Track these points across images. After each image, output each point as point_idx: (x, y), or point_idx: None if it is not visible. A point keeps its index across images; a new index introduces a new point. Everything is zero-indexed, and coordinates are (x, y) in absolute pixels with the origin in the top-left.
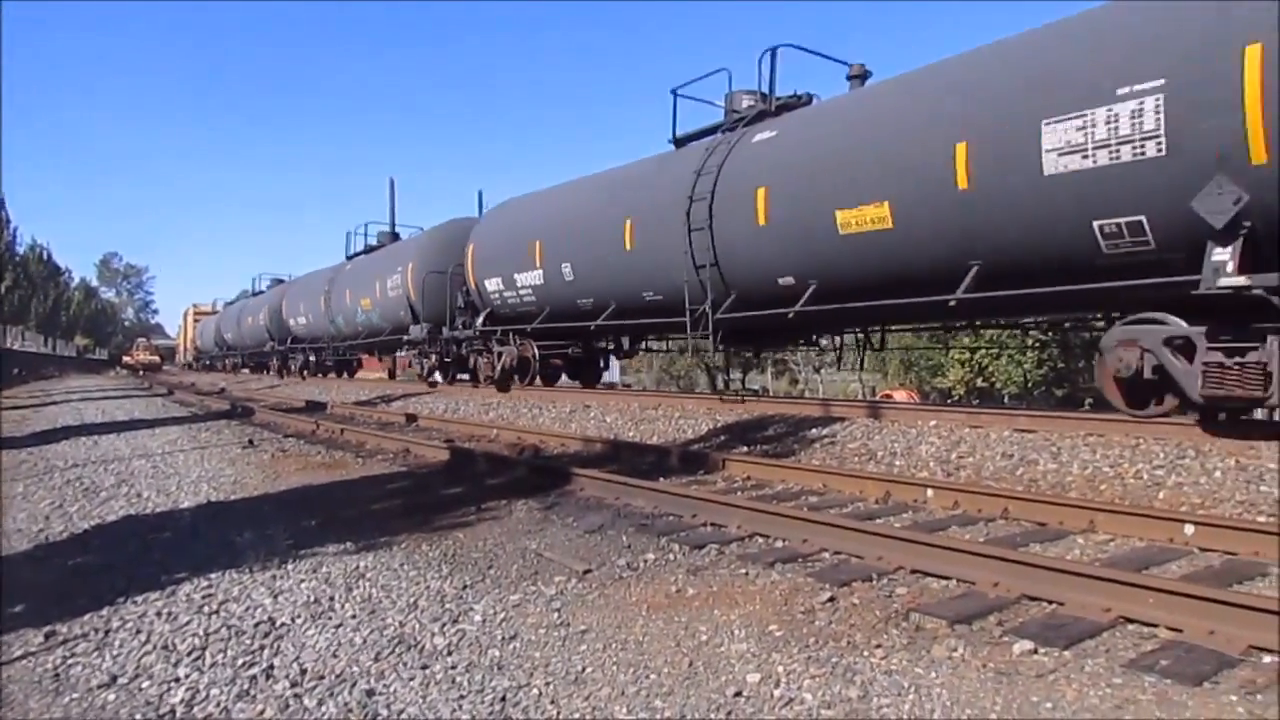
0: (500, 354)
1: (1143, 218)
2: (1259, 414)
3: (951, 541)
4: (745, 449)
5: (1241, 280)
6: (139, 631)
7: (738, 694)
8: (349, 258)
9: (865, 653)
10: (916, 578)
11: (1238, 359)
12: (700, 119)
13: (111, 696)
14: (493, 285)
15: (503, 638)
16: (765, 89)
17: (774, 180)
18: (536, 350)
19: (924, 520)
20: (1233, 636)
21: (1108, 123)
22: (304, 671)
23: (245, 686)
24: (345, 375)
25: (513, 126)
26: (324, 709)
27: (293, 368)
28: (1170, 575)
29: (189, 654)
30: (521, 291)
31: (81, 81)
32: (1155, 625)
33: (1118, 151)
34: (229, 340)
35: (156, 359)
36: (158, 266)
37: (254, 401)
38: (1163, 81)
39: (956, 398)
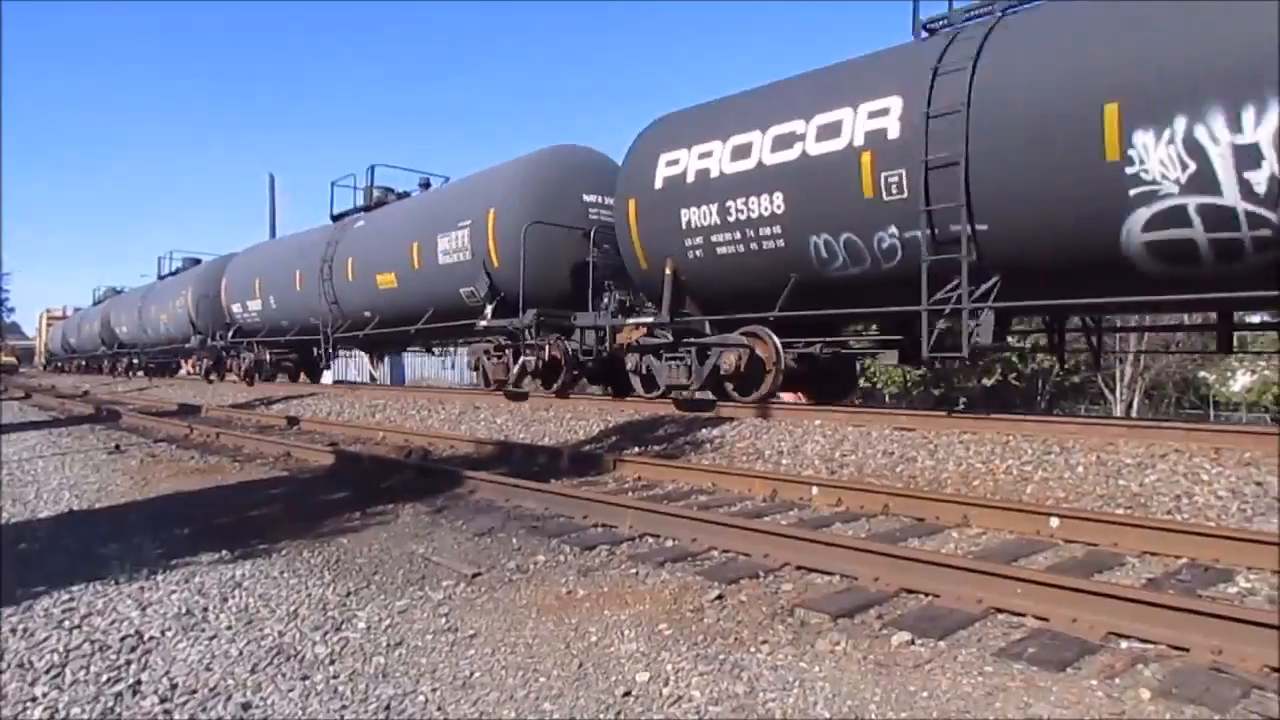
0: (245, 358)
1: (474, 288)
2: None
3: (835, 538)
4: (637, 449)
5: (486, 323)
6: None
7: (627, 694)
8: (160, 278)
9: (752, 649)
10: (802, 574)
11: (498, 360)
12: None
13: None
14: (237, 308)
15: (388, 644)
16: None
17: (356, 253)
18: (268, 355)
19: (809, 517)
20: (1094, 624)
21: (455, 239)
22: (174, 686)
23: (110, 704)
24: (167, 375)
25: (397, 125)
26: None
27: (119, 369)
28: (1037, 566)
29: (47, 671)
30: (252, 314)
31: None
32: (1023, 615)
33: (460, 255)
34: (73, 344)
35: (13, 360)
36: (15, 263)
37: (121, 404)
38: (470, 223)
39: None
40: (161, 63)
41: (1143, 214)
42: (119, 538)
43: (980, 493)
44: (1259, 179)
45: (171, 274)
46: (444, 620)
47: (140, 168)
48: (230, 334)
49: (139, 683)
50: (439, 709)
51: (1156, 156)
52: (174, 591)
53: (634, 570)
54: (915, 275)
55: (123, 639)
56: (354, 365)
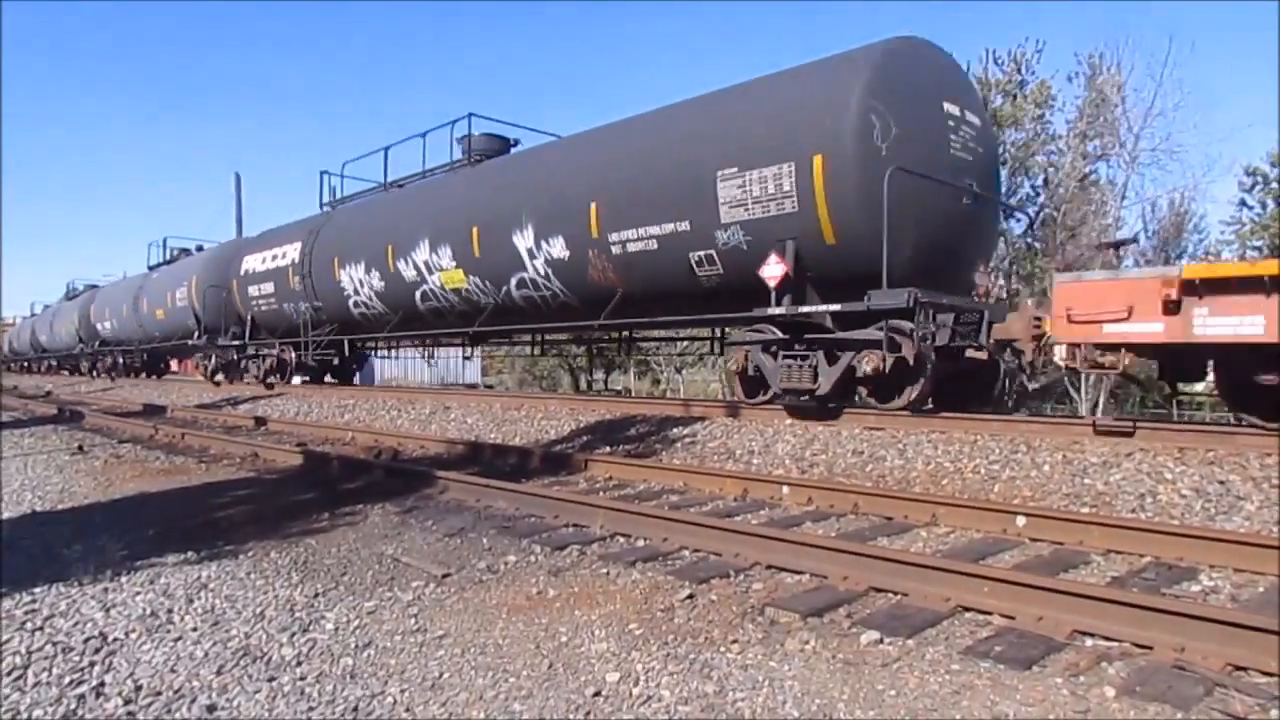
0: (106, 360)
1: (192, 323)
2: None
3: (805, 537)
4: (608, 449)
5: (192, 343)
6: None
7: (597, 693)
8: (67, 298)
9: (722, 648)
10: (772, 573)
11: (207, 364)
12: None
13: None
14: (99, 326)
15: (356, 646)
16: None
17: (149, 295)
18: (121, 359)
19: (780, 517)
20: (1059, 622)
21: (183, 293)
22: (139, 688)
23: (73, 706)
24: (79, 373)
25: (361, 117)
26: None
27: (40, 368)
28: (1004, 565)
29: (9, 673)
30: (107, 330)
31: None
32: (990, 613)
33: (184, 302)
34: (15, 349)
35: None
36: None
37: (84, 405)
38: (187, 284)
39: None
40: (124, 61)
41: (353, 301)
42: (83, 539)
43: (948, 492)
44: (368, 291)
45: (71, 298)
46: (413, 621)
47: (108, 162)
48: (98, 344)
49: (102, 684)
50: (407, 710)
51: (347, 279)
52: (139, 593)
53: (605, 570)
54: (320, 322)
55: (86, 640)
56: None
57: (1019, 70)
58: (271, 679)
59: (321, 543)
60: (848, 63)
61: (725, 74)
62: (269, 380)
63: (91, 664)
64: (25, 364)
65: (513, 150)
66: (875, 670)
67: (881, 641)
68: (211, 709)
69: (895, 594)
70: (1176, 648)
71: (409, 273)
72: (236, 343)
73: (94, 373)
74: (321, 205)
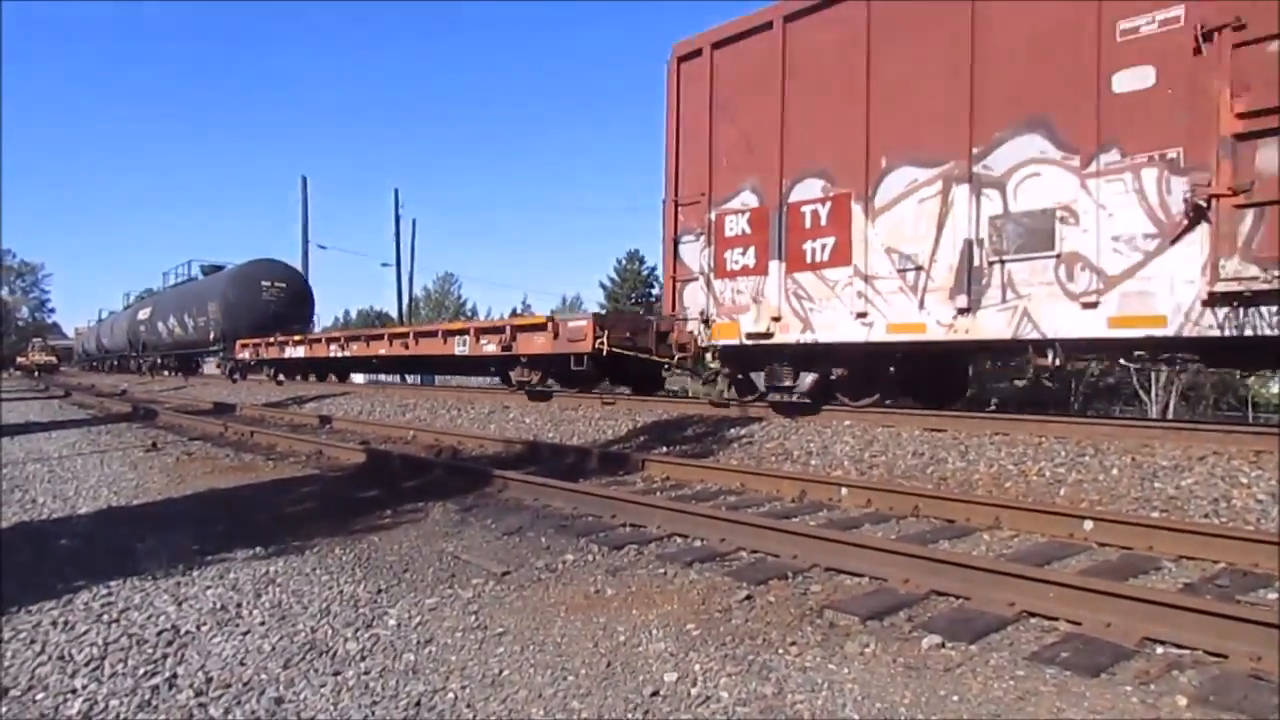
0: (106, 364)
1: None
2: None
3: (864, 539)
4: (665, 449)
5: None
6: (33, 642)
7: (655, 693)
8: (99, 322)
9: (780, 650)
10: (831, 575)
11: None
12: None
13: (3, 710)
14: (103, 340)
15: (418, 642)
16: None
17: (115, 327)
18: (115, 361)
19: (838, 518)
20: (1129, 629)
21: (124, 328)
22: (209, 680)
23: (147, 696)
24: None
25: (440, 123)
26: (230, 718)
27: (86, 367)
28: (1070, 570)
29: (87, 664)
30: (105, 343)
31: None
32: (1056, 619)
33: (123, 334)
34: (81, 353)
35: (53, 360)
36: (56, 264)
37: (157, 403)
38: (124, 320)
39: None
40: (192, 62)
41: (162, 336)
42: (156, 534)
43: (1012, 495)
44: (165, 333)
45: (100, 320)
46: (473, 618)
47: (171, 166)
48: (104, 352)
49: (175, 676)
50: (468, 706)
51: (160, 327)
52: (209, 587)
53: (662, 570)
54: (158, 346)
55: (159, 633)
56: None
57: None
58: (336, 673)
59: (384, 539)
60: (227, 275)
61: None
62: (152, 373)
63: (164, 656)
64: (85, 365)
65: (223, 270)
66: (937, 675)
67: (943, 646)
68: (279, 701)
69: (957, 598)
70: (1253, 657)
71: (171, 326)
72: (134, 354)
73: (103, 370)
74: (163, 287)
